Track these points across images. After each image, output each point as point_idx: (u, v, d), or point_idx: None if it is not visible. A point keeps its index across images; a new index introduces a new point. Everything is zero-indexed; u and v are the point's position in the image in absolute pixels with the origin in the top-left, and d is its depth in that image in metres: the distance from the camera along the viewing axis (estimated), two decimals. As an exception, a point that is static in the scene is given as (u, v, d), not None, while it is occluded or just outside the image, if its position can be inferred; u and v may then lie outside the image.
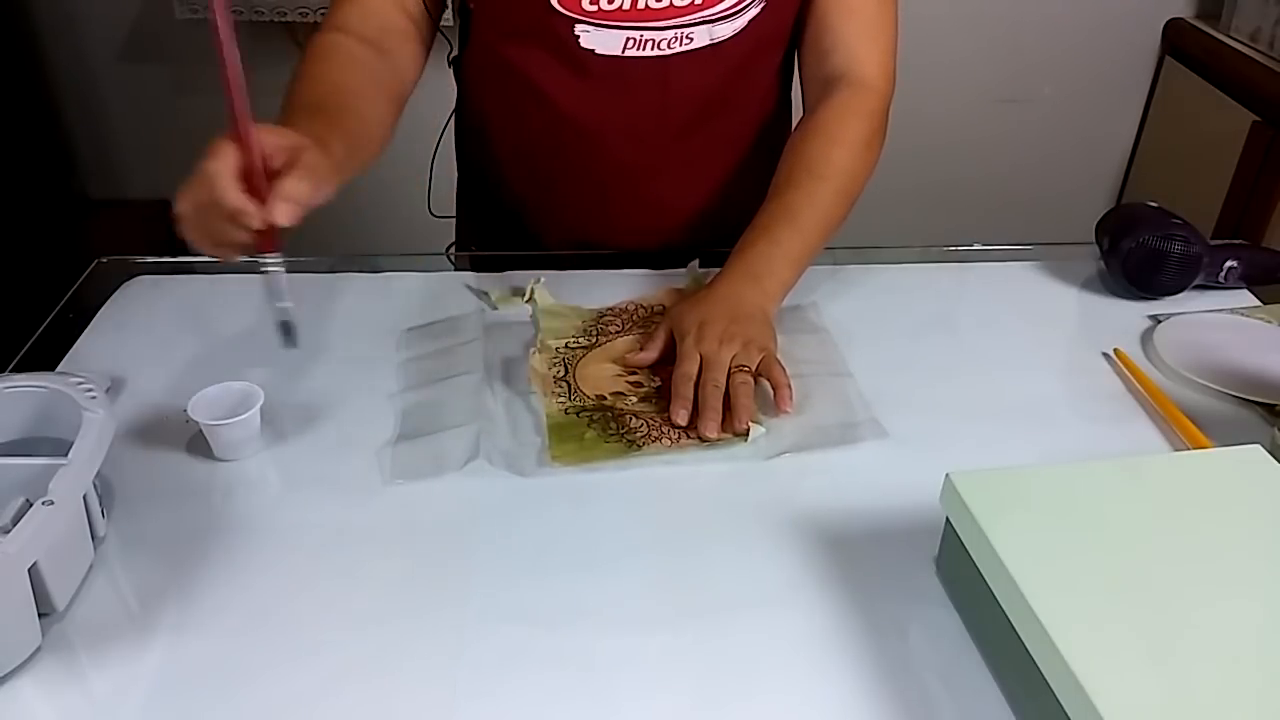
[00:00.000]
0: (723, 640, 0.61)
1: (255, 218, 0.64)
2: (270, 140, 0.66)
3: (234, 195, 0.63)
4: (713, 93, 0.96)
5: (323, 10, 1.93)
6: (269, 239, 0.67)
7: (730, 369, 0.77)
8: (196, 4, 1.91)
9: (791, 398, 0.77)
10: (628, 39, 0.90)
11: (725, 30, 0.91)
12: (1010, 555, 0.56)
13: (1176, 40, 2.12)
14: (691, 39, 0.91)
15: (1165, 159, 2.19)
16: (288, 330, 0.71)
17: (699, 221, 1.04)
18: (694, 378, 0.77)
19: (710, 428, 0.74)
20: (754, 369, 0.78)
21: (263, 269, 0.68)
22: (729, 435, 0.75)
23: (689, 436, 0.76)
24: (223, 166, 0.63)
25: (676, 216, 1.04)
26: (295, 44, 2.04)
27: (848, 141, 0.91)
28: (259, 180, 0.64)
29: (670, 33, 0.90)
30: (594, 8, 0.87)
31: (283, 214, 0.65)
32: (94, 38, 2.04)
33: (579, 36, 0.89)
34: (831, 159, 0.90)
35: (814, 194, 0.88)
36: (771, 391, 0.78)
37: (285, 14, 1.93)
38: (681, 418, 0.75)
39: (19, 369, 0.82)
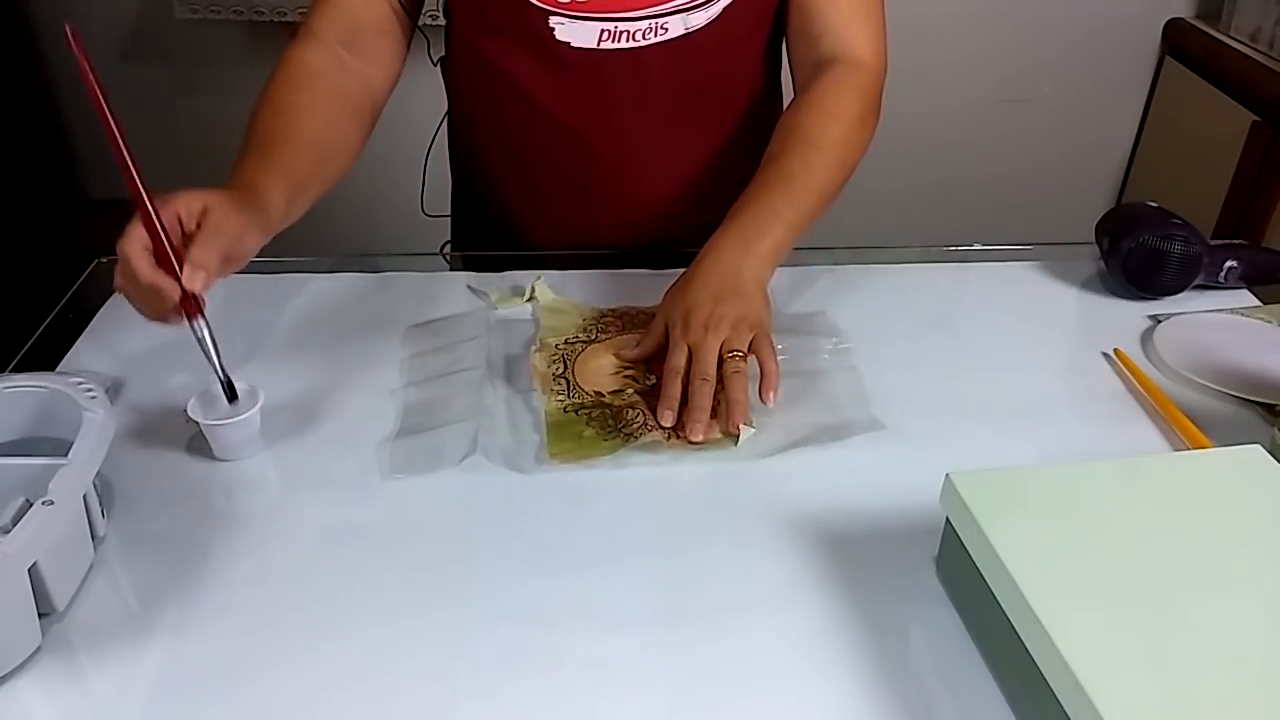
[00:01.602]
0: (722, 640, 0.61)
1: (173, 290, 0.66)
2: (178, 208, 0.68)
3: (147, 272, 0.65)
4: (691, 83, 0.95)
5: (323, 10, 1.95)
6: (191, 304, 0.69)
7: (722, 356, 0.75)
8: (197, 4, 1.91)
9: (776, 389, 0.75)
10: (602, 30, 0.89)
11: (700, 19, 0.91)
12: (1010, 555, 0.56)
13: (1176, 40, 2.12)
14: (666, 29, 0.90)
15: (1165, 159, 2.19)
16: (228, 387, 0.73)
17: (686, 214, 1.03)
18: (683, 371, 0.75)
19: (696, 430, 0.72)
20: (746, 350, 0.76)
21: (195, 335, 0.70)
22: (718, 436, 0.75)
23: (680, 435, 0.75)
24: (133, 246, 0.65)
25: (662, 210, 1.03)
26: (295, 44, 2.05)
27: (843, 115, 0.90)
28: (164, 252, 0.66)
29: (645, 23, 0.89)
30: (569, 0, 0.87)
31: (196, 281, 0.67)
32: (94, 38, 2.03)
33: (554, 29, 0.89)
34: (827, 129, 0.88)
35: (809, 160, 0.86)
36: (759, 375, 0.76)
37: (285, 14, 1.93)
38: (667, 419, 0.73)
39: (19, 369, 0.82)
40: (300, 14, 1.91)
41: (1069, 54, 2.15)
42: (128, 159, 0.65)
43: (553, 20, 0.89)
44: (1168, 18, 2.13)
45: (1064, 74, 2.17)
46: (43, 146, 2.10)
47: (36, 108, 2.08)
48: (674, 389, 0.75)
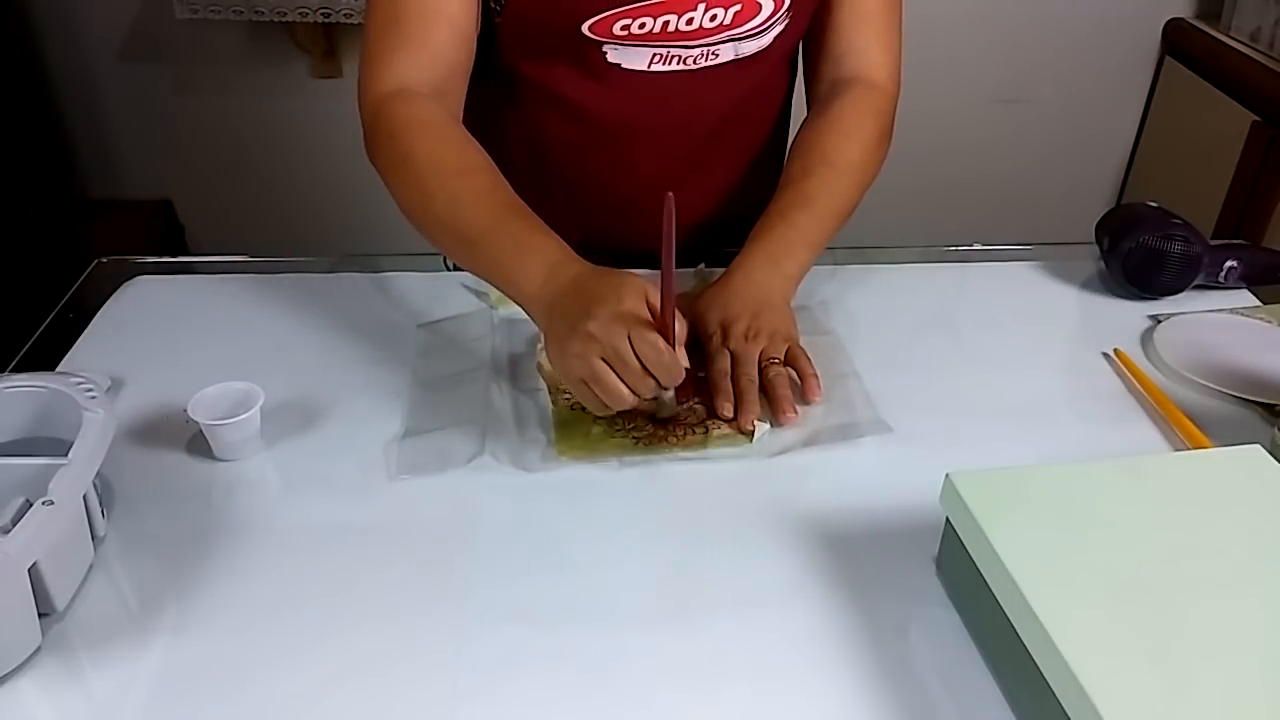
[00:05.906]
0: (723, 640, 0.61)
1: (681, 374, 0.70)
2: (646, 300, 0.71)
3: (671, 357, 0.69)
4: (736, 104, 0.97)
5: (324, 10, 1.95)
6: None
7: (761, 363, 0.80)
8: (197, 4, 1.91)
9: (819, 388, 0.79)
10: (654, 55, 0.90)
11: (751, 47, 0.92)
12: (1010, 555, 0.56)
13: (1176, 40, 2.12)
14: (717, 55, 0.91)
15: (1165, 159, 2.19)
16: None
17: (707, 224, 1.05)
18: (729, 373, 0.80)
19: (748, 419, 0.77)
20: (782, 358, 0.80)
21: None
22: (735, 432, 0.76)
23: (693, 433, 0.76)
24: (657, 339, 0.68)
25: (691, 222, 1.04)
26: (295, 44, 2.04)
27: (861, 137, 0.93)
28: (670, 339, 0.70)
29: (697, 50, 0.90)
30: (624, 33, 0.88)
31: (684, 359, 0.71)
32: (94, 38, 2.04)
33: (605, 54, 0.89)
34: (845, 152, 0.92)
35: (829, 182, 0.90)
36: (798, 380, 0.80)
37: (285, 14, 1.93)
38: (727, 410, 0.77)
39: (19, 369, 0.82)
40: (300, 14, 1.93)
41: (1069, 54, 2.15)
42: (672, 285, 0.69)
43: (605, 46, 0.89)
44: (1168, 18, 2.13)
45: (1064, 74, 2.17)
46: (42, 146, 2.10)
47: (36, 108, 2.08)
48: (726, 385, 0.79)
